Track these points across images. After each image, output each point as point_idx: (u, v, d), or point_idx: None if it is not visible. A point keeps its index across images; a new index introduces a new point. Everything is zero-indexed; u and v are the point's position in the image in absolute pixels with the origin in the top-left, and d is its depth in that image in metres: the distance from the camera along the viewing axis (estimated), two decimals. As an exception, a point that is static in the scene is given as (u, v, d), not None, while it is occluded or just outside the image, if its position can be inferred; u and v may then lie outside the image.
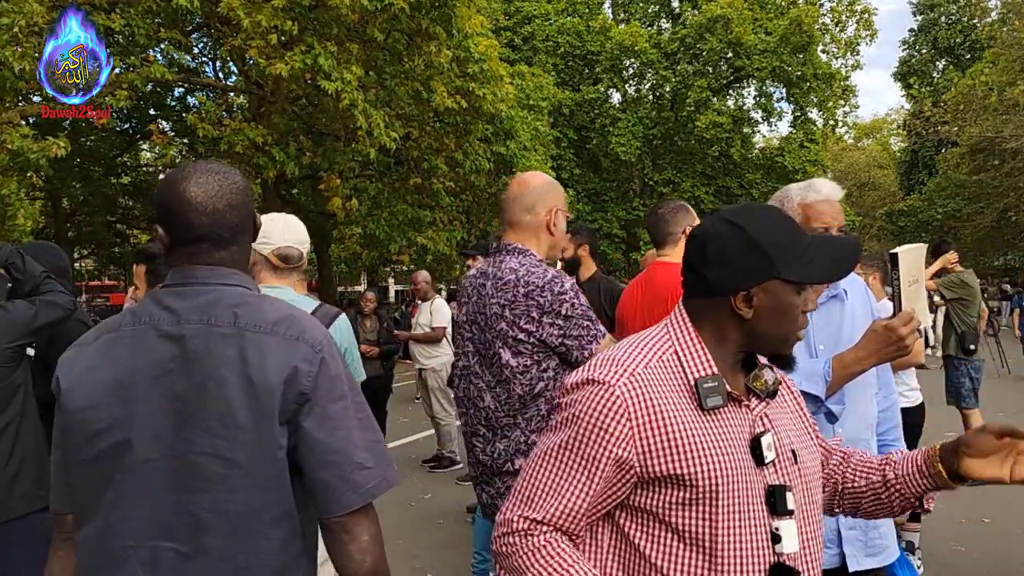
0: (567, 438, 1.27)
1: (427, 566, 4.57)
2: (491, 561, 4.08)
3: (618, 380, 1.25)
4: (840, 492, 1.50)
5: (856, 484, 1.48)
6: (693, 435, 1.24)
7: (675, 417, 1.24)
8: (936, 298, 12.94)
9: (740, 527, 1.25)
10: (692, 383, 1.28)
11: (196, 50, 16.62)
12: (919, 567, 4.31)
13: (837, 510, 1.53)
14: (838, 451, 1.54)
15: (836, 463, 1.52)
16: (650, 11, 29.75)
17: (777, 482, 1.29)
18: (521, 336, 2.24)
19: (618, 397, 1.24)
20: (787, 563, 1.27)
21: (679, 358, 1.30)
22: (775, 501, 1.28)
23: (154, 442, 1.31)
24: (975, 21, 30.58)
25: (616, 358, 1.29)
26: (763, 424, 1.32)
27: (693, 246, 1.35)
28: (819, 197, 2.13)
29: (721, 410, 1.28)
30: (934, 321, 15.04)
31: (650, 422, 1.23)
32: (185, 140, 16.46)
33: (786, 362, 1.37)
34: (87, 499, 1.35)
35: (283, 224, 2.58)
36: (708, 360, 1.30)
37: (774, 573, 1.26)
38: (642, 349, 1.31)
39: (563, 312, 2.22)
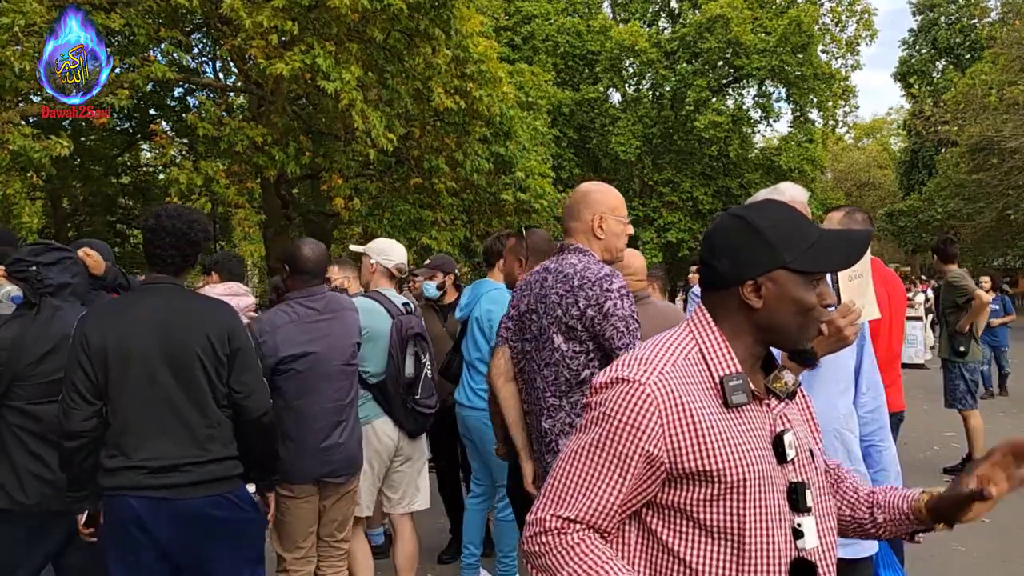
0: (598, 436, 1.28)
1: (427, 567, 4.58)
2: (478, 556, 4.09)
3: (648, 378, 1.27)
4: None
5: (842, 512, 1.52)
6: (720, 432, 1.27)
7: (703, 414, 1.27)
8: (919, 297, 12.60)
9: (766, 522, 1.28)
10: (717, 381, 1.31)
11: (196, 50, 16.61)
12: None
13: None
14: (830, 472, 1.56)
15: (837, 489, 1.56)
16: (650, 11, 29.75)
17: (797, 479, 1.33)
18: (572, 323, 2.47)
19: (648, 395, 1.26)
20: (807, 558, 1.31)
21: (703, 356, 1.33)
22: (796, 498, 1.31)
23: (326, 363, 3.21)
24: (975, 21, 30.58)
25: (643, 357, 1.32)
26: (783, 423, 1.35)
27: (705, 243, 1.39)
28: (781, 199, 2.22)
29: (744, 408, 1.31)
30: (932, 323, 15.04)
31: (679, 419, 1.26)
32: (185, 140, 16.45)
33: (807, 357, 1.41)
34: (299, 391, 3.15)
35: (400, 247, 3.93)
36: (732, 358, 1.33)
37: (795, 567, 1.30)
38: (668, 348, 1.34)
39: (605, 308, 2.42)
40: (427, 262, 5.22)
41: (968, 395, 6.50)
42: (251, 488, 2.76)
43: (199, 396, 2.49)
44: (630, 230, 2.66)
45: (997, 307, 9.74)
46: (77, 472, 2.46)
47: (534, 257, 3.43)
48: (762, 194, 2.33)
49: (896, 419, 3.53)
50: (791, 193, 2.28)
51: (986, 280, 9.82)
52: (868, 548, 2.24)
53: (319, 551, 3.36)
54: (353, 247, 4.20)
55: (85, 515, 2.52)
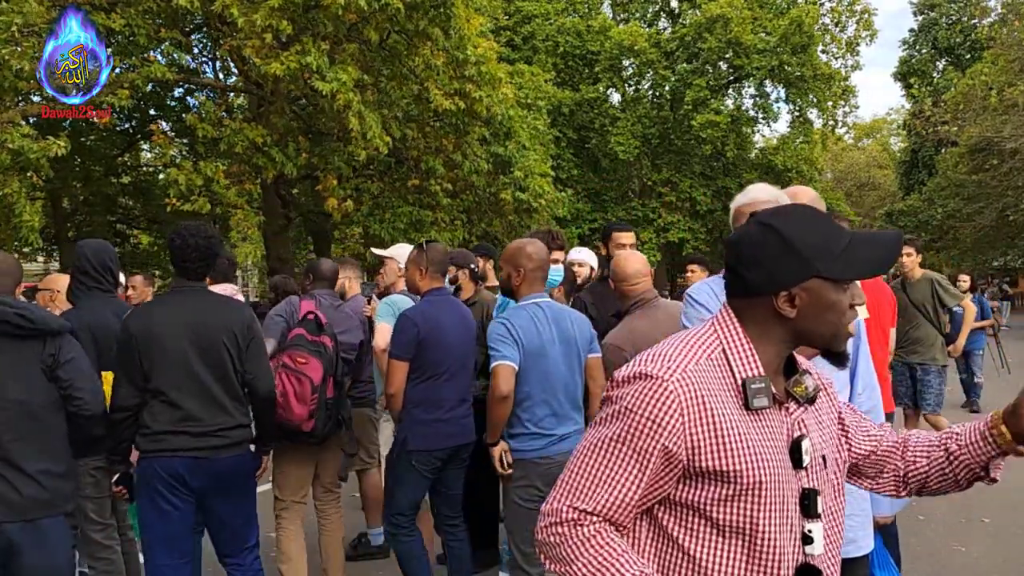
0: (618, 430, 1.29)
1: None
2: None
3: (671, 376, 1.27)
4: (903, 476, 1.52)
5: (919, 465, 1.50)
6: (740, 433, 1.27)
7: (723, 414, 1.27)
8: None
9: (778, 526, 1.28)
10: (739, 382, 1.30)
11: (196, 50, 16.60)
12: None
13: (903, 493, 1.55)
14: (891, 438, 1.55)
15: (889, 449, 1.53)
16: (650, 11, 29.74)
17: (810, 486, 1.34)
18: None
19: (670, 392, 1.26)
20: (813, 564, 1.32)
21: (727, 357, 1.32)
22: (808, 504, 1.32)
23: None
24: (975, 21, 30.57)
25: (667, 354, 1.32)
26: (801, 428, 1.35)
27: (730, 250, 1.38)
28: (746, 200, 2.32)
29: (764, 411, 1.31)
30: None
31: (700, 418, 1.26)
32: (185, 140, 16.45)
33: (840, 358, 1.39)
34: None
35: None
36: (755, 360, 1.32)
37: (801, 573, 1.31)
38: (692, 346, 1.33)
39: None
40: None
41: (942, 397, 6.27)
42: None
43: (225, 377, 3.10)
44: None
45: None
46: (120, 439, 3.02)
47: (432, 268, 3.70)
48: (737, 197, 2.38)
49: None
50: (752, 194, 2.34)
51: (964, 279, 9.19)
52: (863, 547, 2.24)
53: (322, 498, 4.08)
54: (377, 251, 4.53)
55: (117, 476, 3.14)
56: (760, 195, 2.30)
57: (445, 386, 3.57)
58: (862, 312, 2.24)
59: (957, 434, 1.47)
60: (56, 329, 2.79)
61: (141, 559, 4.04)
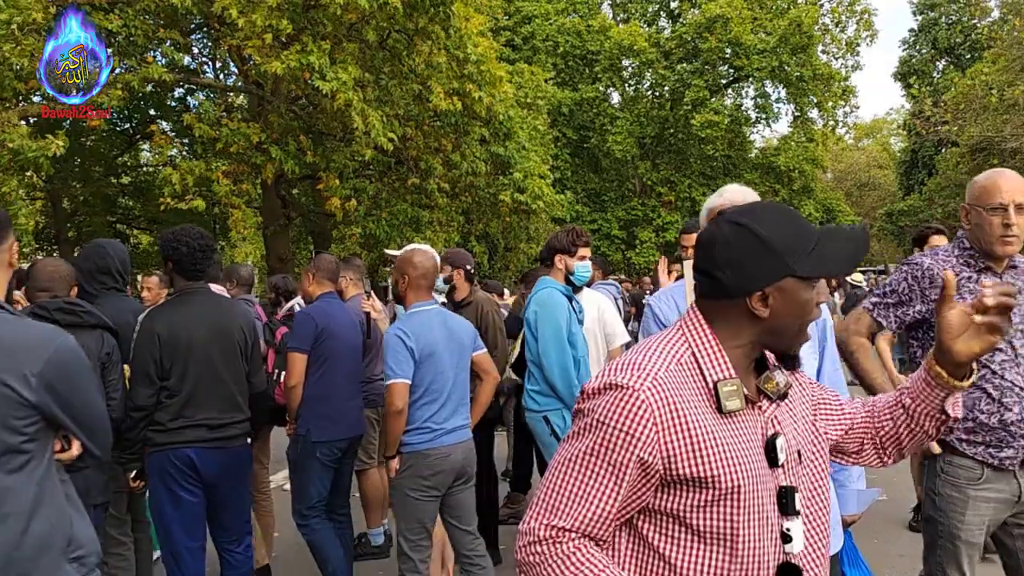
0: (591, 444, 1.26)
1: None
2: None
3: (641, 384, 1.25)
4: (881, 444, 1.52)
5: (886, 428, 1.50)
6: (714, 437, 1.25)
7: (696, 420, 1.25)
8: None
9: (757, 527, 1.27)
10: (710, 385, 1.29)
11: (195, 50, 16.60)
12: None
13: (889, 460, 1.55)
14: (860, 409, 1.55)
15: (863, 420, 1.53)
16: (649, 10, 29.74)
17: (787, 483, 1.32)
18: None
19: (643, 401, 1.24)
20: (793, 562, 1.30)
21: (697, 360, 1.30)
22: (786, 502, 1.30)
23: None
24: (975, 21, 30.56)
25: (636, 362, 1.29)
26: (774, 425, 1.34)
27: (701, 251, 1.34)
28: (720, 201, 2.33)
29: (737, 412, 1.29)
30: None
31: (673, 425, 1.24)
32: (184, 140, 16.44)
33: (793, 362, 1.37)
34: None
35: (435, 252, 4.02)
36: (726, 362, 1.30)
37: (781, 572, 1.30)
38: (661, 352, 1.31)
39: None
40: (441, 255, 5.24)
41: None
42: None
43: (237, 373, 3.32)
44: (1010, 220, 2.46)
45: None
46: (134, 439, 3.13)
47: (320, 274, 4.07)
48: (710, 198, 2.36)
49: None
50: (727, 196, 2.32)
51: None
52: (832, 546, 2.23)
53: (258, 478, 4.38)
54: (390, 252, 4.57)
55: (133, 472, 3.24)
56: (736, 196, 2.29)
57: (342, 379, 3.89)
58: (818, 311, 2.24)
59: (908, 388, 1.47)
60: (95, 324, 3.07)
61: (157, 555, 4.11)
